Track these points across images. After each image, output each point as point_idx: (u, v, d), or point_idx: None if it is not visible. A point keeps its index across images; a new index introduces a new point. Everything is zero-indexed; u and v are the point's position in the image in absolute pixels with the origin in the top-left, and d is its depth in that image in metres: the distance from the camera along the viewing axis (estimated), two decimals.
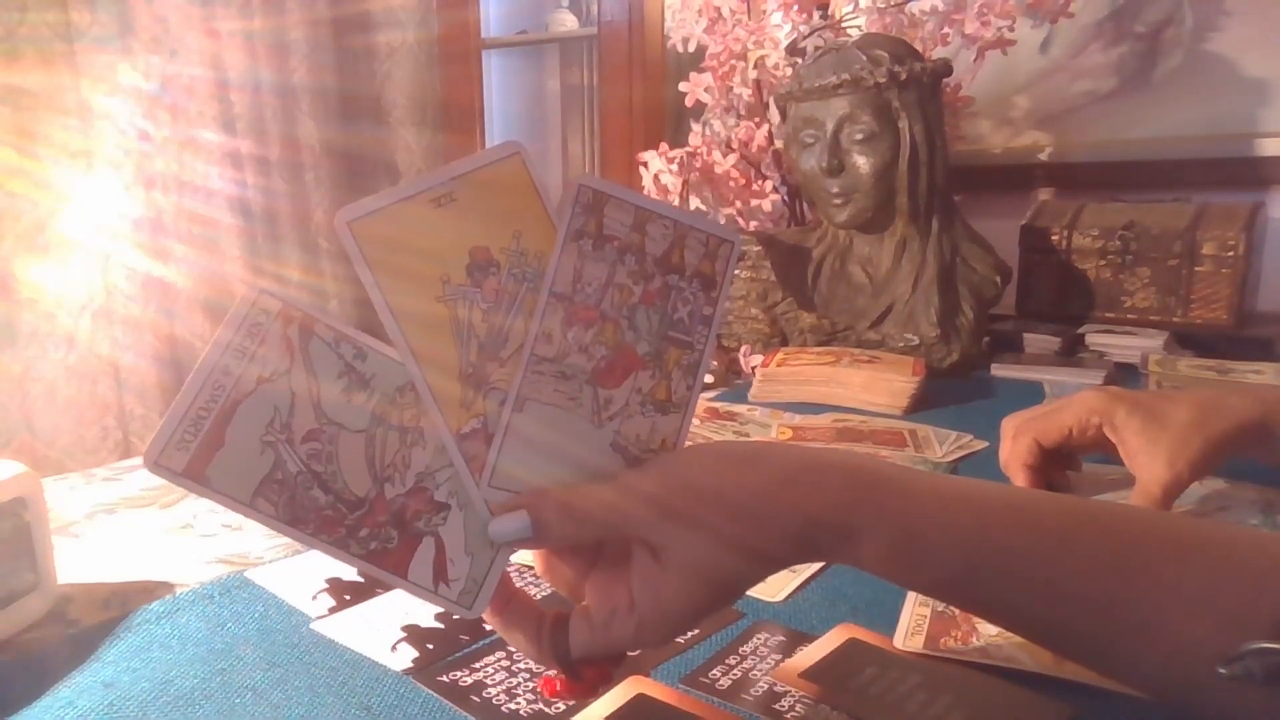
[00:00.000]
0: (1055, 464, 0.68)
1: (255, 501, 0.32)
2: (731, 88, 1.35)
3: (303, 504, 0.32)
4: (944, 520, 0.37)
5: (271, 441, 0.32)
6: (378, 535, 0.33)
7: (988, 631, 0.51)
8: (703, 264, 0.38)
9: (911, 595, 0.56)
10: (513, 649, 0.51)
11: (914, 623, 0.53)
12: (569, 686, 0.37)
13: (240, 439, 0.32)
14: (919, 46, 1.23)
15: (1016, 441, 0.67)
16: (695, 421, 0.95)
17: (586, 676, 0.37)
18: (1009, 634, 0.51)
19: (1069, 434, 0.65)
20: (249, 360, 0.32)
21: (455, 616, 0.34)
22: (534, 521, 0.35)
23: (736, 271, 1.21)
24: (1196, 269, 1.21)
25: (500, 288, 0.35)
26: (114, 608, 0.57)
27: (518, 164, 0.37)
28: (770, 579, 0.59)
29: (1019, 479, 0.66)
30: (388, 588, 0.59)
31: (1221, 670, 0.47)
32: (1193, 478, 0.61)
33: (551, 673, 0.38)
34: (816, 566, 0.61)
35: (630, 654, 0.39)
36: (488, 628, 0.54)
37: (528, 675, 0.49)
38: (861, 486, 0.38)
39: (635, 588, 0.36)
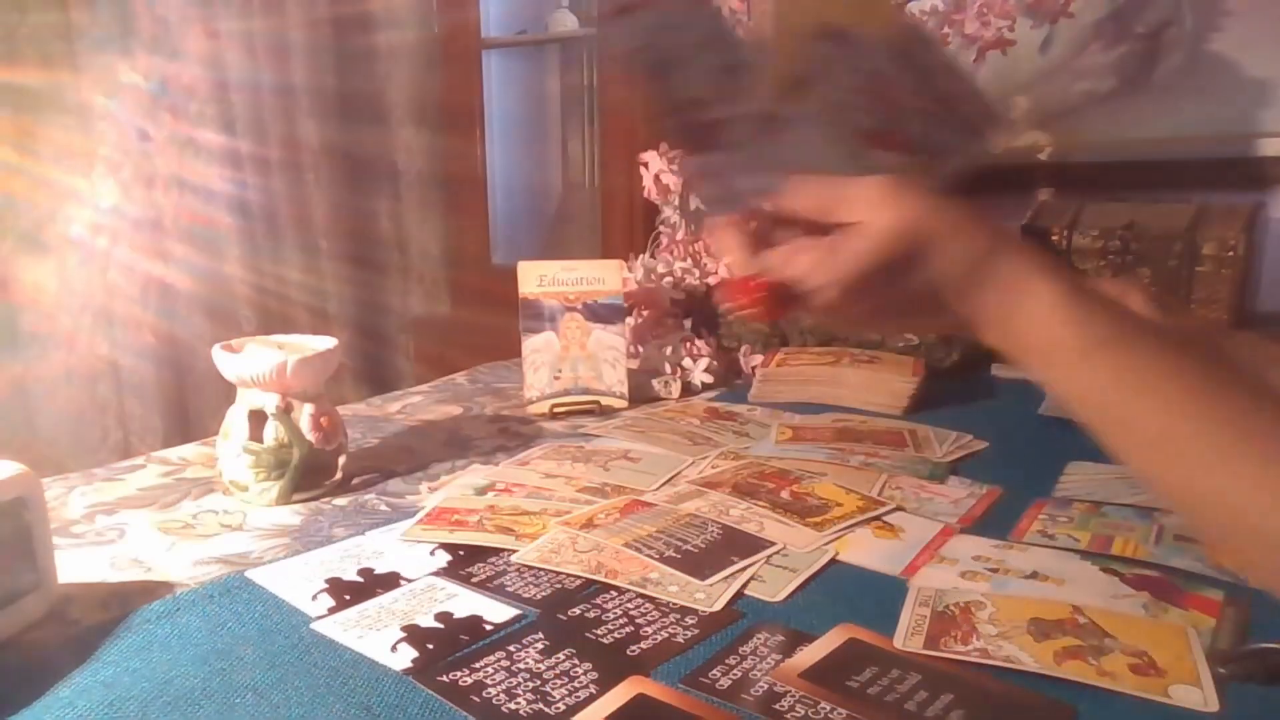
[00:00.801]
0: None
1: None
2: None
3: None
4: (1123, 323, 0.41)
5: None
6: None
7: (988, 631, 0.51)
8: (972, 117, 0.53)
9: (911, 595, 0.56)
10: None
11: (914, 623, 0.53)
12: (750, 292, 0.45)
13: None
14: None
15: None
16: (695, 421, 0.95)
17: (771, 293, 0.45)
18: (1009, 634, 0.51)
19: None
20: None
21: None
22: (790, 186, 0.45)
23: None
24: (1196, 269, 1.21)
25: (828, 51, 0.48)
26: (114, 608, 0.57)
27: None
28: (770, 579, 0.59)
29: None
30: (387, 587, 0.59)
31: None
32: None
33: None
34: (817, 567, 0.61)
35: (805, 291, 0.44)
36: (488, 626, 0.54)
37: (527, 675, 0.49)
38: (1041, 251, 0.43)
39: (832, 237, 0.43)
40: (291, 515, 0.73)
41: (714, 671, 0.49)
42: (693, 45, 0.46)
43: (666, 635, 0.53)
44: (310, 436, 0.75)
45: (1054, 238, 1.30)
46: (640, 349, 1.13)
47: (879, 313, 0.46)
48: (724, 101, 0.45)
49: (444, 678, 0.48)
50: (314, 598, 0.58)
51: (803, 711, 0.45)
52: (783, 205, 0.46)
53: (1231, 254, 1.19)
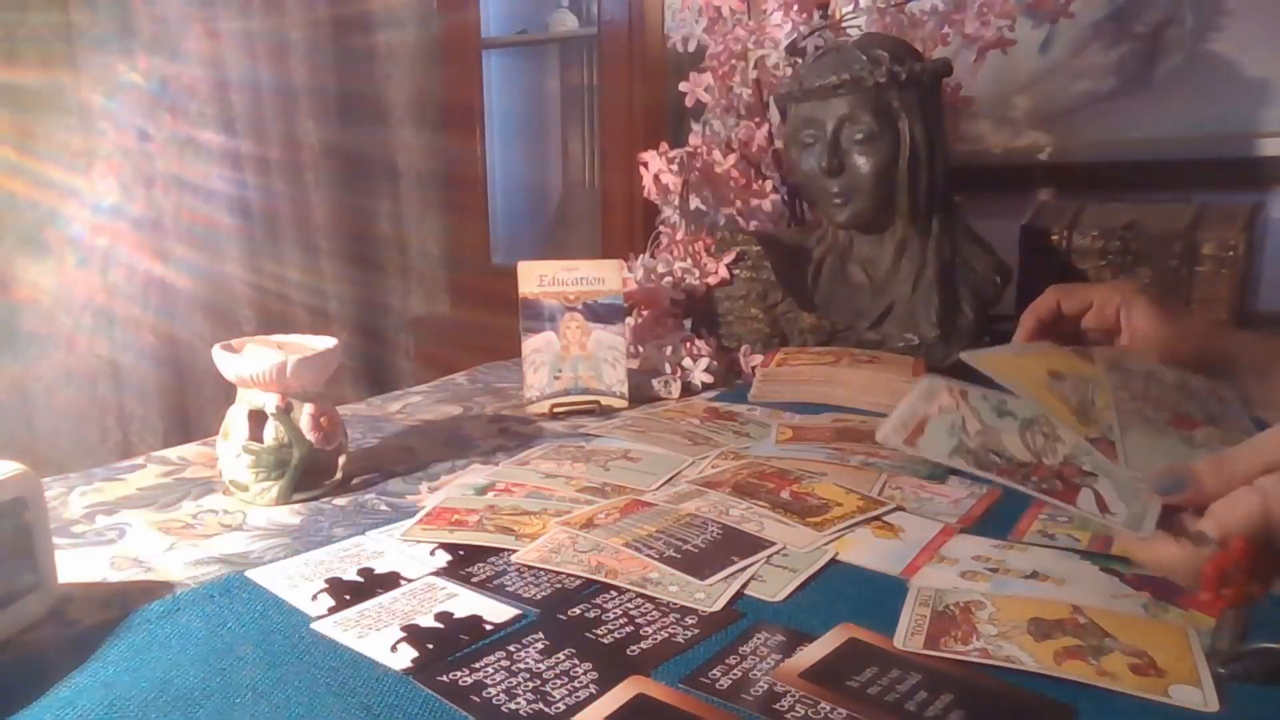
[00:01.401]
0: (1068, 339, 0.71)
1: (953, 459, 0.53)
2: (731, 88, 1.35)
3: (985, 462, 0.52)
4: None
5: (955, 432, 0.54)
6: (1046, 481, 0.51)
7: (988, 631, 0.51)
8: (1213, 392, 0.60)
9: (911, 595, 0.56)
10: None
11: (914, 623, 0.53)
12: (1226, 574, 0.45)
13: (934, 432, 0.54)
14: (919, 46, 1.22)
15: (1045, 296, 0.70)
16: (695, 421, 0.95)
17: (1246, 560, 0.45)
18: (1009, 634, 0.51)
19: (1089, 305, 0.68)
20: (930, 402, 0.56)
21: (1129, 532, 0.49)
22: (1192, 476, 0.47)
23: (737, 271, 1.21)
24: (1196, 269, 1.21)
25: (1070, 384, 0.57)
26: (114, 608, 0.57)
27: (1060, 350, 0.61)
28: (770, 579, 0.59)
29: (1024, 325, 0.70)
30: (387, 587, 0.59)
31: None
32: (1174, 348, 0.65)
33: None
34: (817, 567, 0.61)
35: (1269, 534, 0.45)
36: (488, 626, 0.54)
37: (527, 675, 0.49)
38: None
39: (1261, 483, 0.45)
40: (291, 515, 0.73)
41: (714, 671, 0.49)
42: (1001, 432, 0.54)
43: (666, 635, 0.53)
44: (310, 436, 0.75)
45: (1054, 238, 1.30)
46: (640, 349, 1.13)
47: None
48: (1047, 453, 0.52)
49: (444, 677, 0.48)
50: (314, 598, 0.58)
51: (803, 711, 0.45)
52: (1200, 491, 0.47)
53: (1231, 254, 1.19)
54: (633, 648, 0.51)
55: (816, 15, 1.30)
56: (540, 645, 0.52)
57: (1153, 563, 0.49)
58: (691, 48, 1.36)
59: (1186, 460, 0.49)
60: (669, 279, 1.20)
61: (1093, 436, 0.53)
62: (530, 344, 1.02)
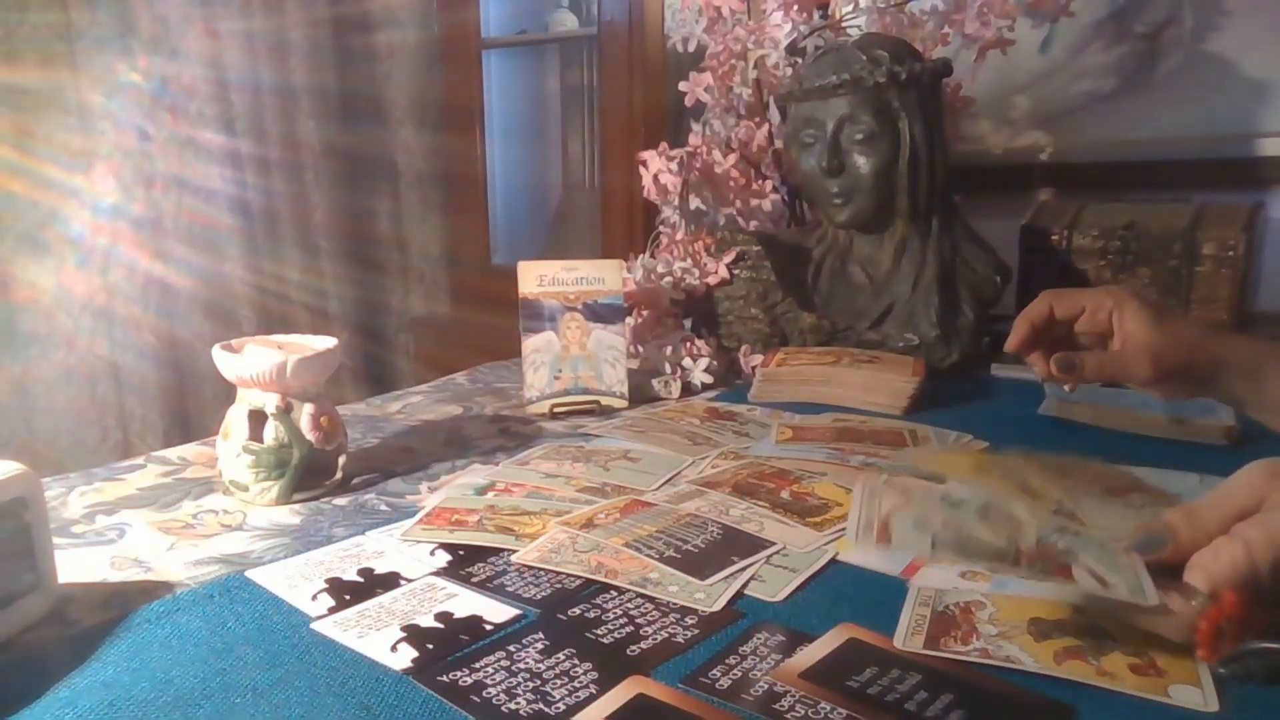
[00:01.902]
0: (1061, 344, 0.72)
1: (935, 553, 0.52)
2: (731, 88, 1.35)
3: (969, 550, 0.51)
4: None
5: (923, 527, 0.53)
6: (1035, 564, 0.50)
7: (988, 631, 0.51)
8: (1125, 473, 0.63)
9: (911, 595, 0.56)
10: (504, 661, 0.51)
11: (914, 623, 0.53)
12: (1212, 629, 0.45)
13: (902, 531, 0.53)
14: (919, 46, 1.22)
15: (1037, 301, 0.71)
16: (695, 421, 0.95)
17: (1238, 607, 0.45)
18: (1009, 634, 0.51)
19: (1082, 310, 0.69)
20: (878, 502, 0.56)
21: (1135, 602, 0.47)
22: (1170, 529, 0.48)
23: (737, 271, 1.21)
24: (1196, 269, 1.21)
25: (999, 471, 0.59)
26: (114, 608, 0.57)
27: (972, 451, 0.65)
28: (770, 579, 0.59)
29: (1018, 329, 0.70)
30: (387, 587, 0.59)
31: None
32: (1166, 353, 0.66)
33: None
34: (817, 567, 0.61)
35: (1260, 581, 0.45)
36: (488, 626, 0.54)
37: (527, 675, 0.49)
38: None
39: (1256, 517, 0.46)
40: (291, 515, 0.73)
41: (714, 671, 0.49)
42: (964, 522, 0.55)
43: (666, 635, 0.53)
44: (310, 436, 0.75)
45: (1054, 238, 1.30)
46: (640, 349, 1.13)
47: None
48: (1020, 538, 0.52)
49: (444, 678, 0.48)
50: (314, 598, 0.58)
51: (803, 711, 0.45)
52: (1179, 546, 0.48)
53: (1231, 254, 1.19)
54: (633, 648, 0.51)
55: (816, 15, 1.30)
56: (540, 645, 0.52)
57: (1144, 621, 0.48)
58: (691, 48, 1.36)
59: (1143, 519, 0.50)
60: (669, 279, 1.20)
61: (1051, 510, 0.54)
62: (530, 344, 1.02)
